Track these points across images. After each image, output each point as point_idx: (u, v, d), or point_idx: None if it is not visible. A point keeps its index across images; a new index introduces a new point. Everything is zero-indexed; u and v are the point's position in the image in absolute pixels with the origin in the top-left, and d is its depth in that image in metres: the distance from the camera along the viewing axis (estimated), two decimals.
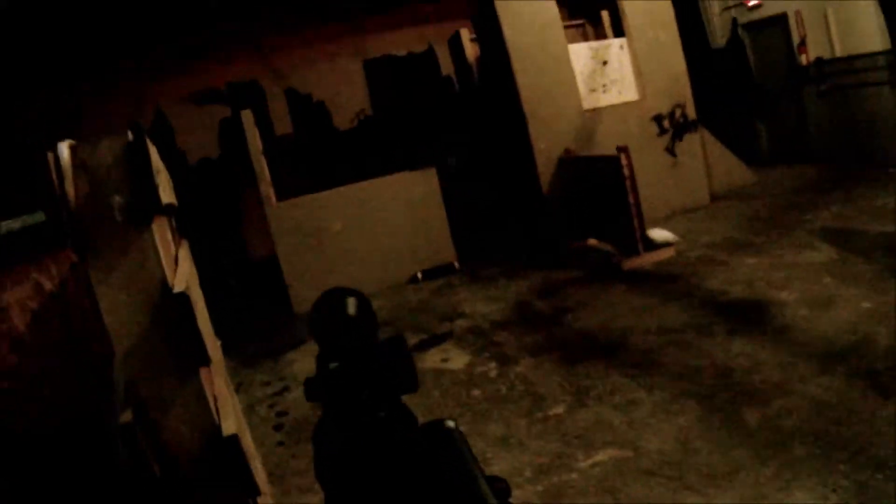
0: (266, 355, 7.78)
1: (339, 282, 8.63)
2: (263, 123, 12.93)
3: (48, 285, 3.48)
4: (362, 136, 14.51)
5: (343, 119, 14.81)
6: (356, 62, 15.04)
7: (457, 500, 3.06)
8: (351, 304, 3.18)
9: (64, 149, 1.32)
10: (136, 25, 11.47)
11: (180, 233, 3.60)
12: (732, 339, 5.44)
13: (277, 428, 5.77)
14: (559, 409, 4.94)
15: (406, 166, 10.40)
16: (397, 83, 15.08)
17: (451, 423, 3.15)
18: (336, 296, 3.30)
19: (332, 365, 2.98)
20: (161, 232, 1.70)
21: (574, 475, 4.12)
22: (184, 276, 1.56)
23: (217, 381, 3.03)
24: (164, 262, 1.49)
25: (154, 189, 1.39)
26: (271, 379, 7.01)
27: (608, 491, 3.89)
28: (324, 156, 13.72)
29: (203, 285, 3.66)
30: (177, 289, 1.41)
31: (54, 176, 1.30)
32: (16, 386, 3.53)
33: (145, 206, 1.41)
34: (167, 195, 2.03)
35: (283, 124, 14.41)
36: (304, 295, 9.25)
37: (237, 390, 6.76)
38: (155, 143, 6.90)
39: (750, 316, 5.83)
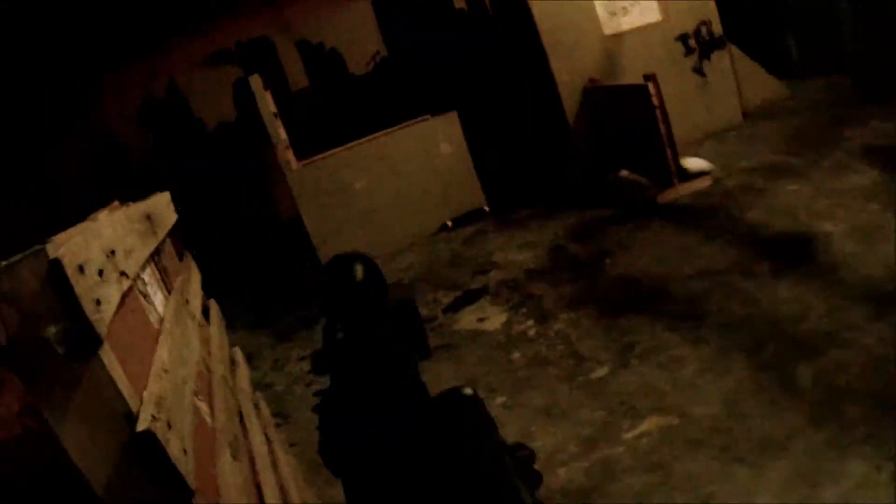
0: (301, 325, 7.70)
1: (367, 239, 8.60)
2: (277, 80, 12.74)
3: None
4: (379, 80, 14.28)
5: (359, 64, 14.54)
6: (366, 4, 14.70)
7: (476, 473, 2.95)
8: (358, 271, 3.05)
9: None
10: None
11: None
12: (778, 282, 5.22)
13: (316, 409, 5.69)
14: (602, 372, 4.79)
15: (426, 107, 10.19)
16: (410, 22, 14.74)
17: (468, 391, 3.03)
18: (341, 263, 3.17)
19: (339, 335, 2.87)
20: (132, 351, 1.55)
21: (620, 448, 3.98)
22: (151, 401, 1.40)
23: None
24: (126, 390, 1.34)
25: (84, 319, 1.23)
26: (307, 353, 6.90)
27: (656, 466, 3.75)
28: (342, 105, 13.52)
29: (235, 250, 3.54)
30: (140, 425, 1.26)
31: None
32: None
33: (84, 333, 1.25)
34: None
35: (298, 78, 14.19)
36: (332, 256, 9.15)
37: (273, 368, 6.71)
38: (169, 114, 6.73)
39: (795, 253, 5.59)
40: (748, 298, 5.13)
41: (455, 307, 6.81)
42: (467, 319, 6.44)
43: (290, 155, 9.29)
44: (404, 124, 9.96)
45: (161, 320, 2.13)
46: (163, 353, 1.75)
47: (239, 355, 3.91)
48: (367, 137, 9.78)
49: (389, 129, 9.87)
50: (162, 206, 3.27)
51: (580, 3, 9.62)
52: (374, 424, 2.76)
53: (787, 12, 12.00)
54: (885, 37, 10.03)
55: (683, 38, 10.01)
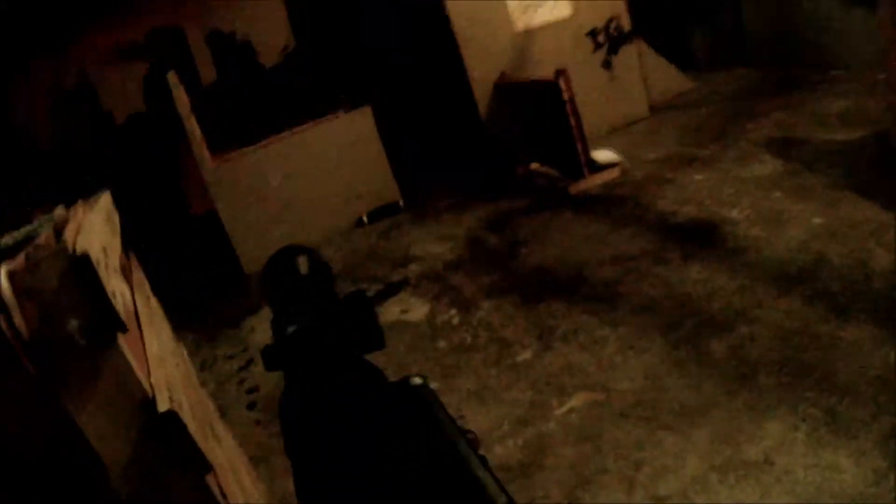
0: (225, 325, 7.67)
1: (284, 234, 8.60)
2: (189, 73, 12.57)
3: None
4: (289, 72, 14.22)
5: (269, 57, 14.46)
6: None
7: (437, 459, 3.05)
8: (302, 263, 3.10)
9: (3, 278, 1.22)
10: None
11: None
12: (688, 265, 5.47)
13: (251, 406, 5.70)
14: (527, 355, 4.96)
15: (339, 101, 10.23)
16: (319, 13, 14.72)
17: (417, 380, 3.12)
18: (285, 255, 3.22)
19: (290, 329, 2.91)
20: (132, 342, 1.61)
21: (551, 424, 4.15)
22: (162, 385, 1.47)
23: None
24: (142, 376, 1.40)
25: (111, 308, 1.29)
26: (235, 352, 6.90)
27: (587, 438, 3.93)
28: (253, 98, 13.44)
29: (145, 245, 3.57)
30: (161, 407, 1.33)
31: None
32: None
33: (108, 323, 1.31)
34: (114, 244, 1.94)
35: (208, 70, 14.03)
36: (252, 254, 9.10)
37: (202, 368, 6.68)
38: (78, 107, 6.61)
39: (703, 238, 5.87)
40: (661, 281, 5.37)
41: (378, 299, 6.88)
42: (391, 311, 6.52)
43: (205, 152, 9.21)
44: (319, 120, 9.98)
45: (136, 313, 2.19)
46: (152, 344, 1.81)
47: (184, 350, 3.95)
48: (283, 133, 9.76)
49: (304, 125, 9.86)
50: (110, 202, 3.31)
51: (493, 1, 9.78)
52: (337, 417, 2.82)
53: (693, 7, 12.40)
54: (785, 31, 10.48)
55: (593, 34, 10.27)
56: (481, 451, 3.85)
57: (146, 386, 1.40)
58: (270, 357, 2.90)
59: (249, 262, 9.19)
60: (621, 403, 4.11)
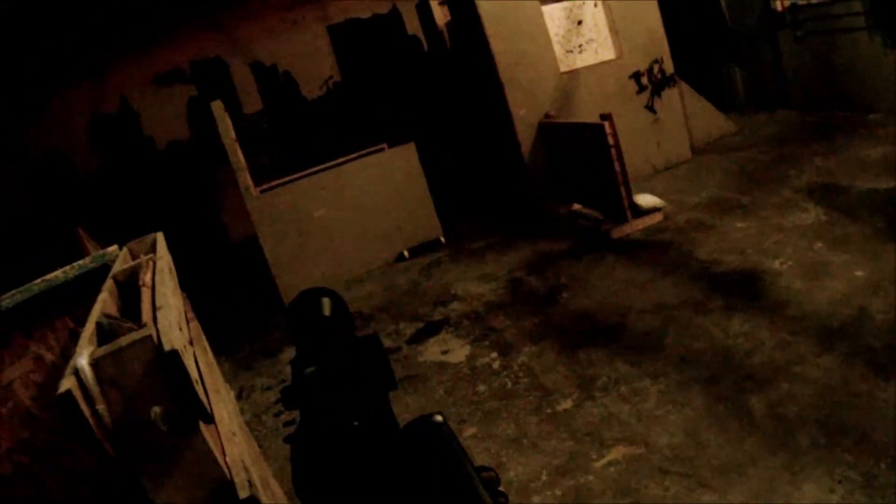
0: (262, 354, 7.80)
1: (325, 267, 8.74)
2: (231, 102, 12.82)
3: (49, 356, 3.50)
4: (332, 104, 14.42)
5: (312, 88, 14.69)
6: (320, 28, 14.88)
7: (451, 499, 3.10)
8: (325, 305, 3.20)
9: (85, 368, 1.31)
10: (93, 9, 11.32)
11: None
12: (730, 317, 5.51)
13: (288, 440, 5.78)
14: (567, 404, 5.01)
15: (380, 134, 10.38)
16: (363, 47, 14.95)
17: (438, 418, 3.18)
18: (309, 297, 3.32)
19: (309, 370, 3.01)
20: (215, 430, 1.70)
21: (590, 476, 4.20)
22: (237, 465, 1.57)
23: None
24: (219, 457, 1.49)
25: (196, 399, 1.38)
26: (272, 383, 7.02)
27: (625, 492, 3.98)
28: (295, 129, 13.65)
29: (183, 273, 3.66)
30: (241, 492, 1.42)
31: (80, 395, 1.30)
32: (30, 460, 3.56)
33: (192, 412, 1.40)
34: (173, 296, 2.04)
35: (250, 99, 14.28)
36: (292, 284, 9.27)
37: (239, 397, 6.79)
38: (120, 131, 6.82)
39: (745, 289, 5.90)
40: (702, 333, 5.40)
41: (418, 339, 6.97)
42: (431, 351, 6.61)
43: (249, 180, 9.38)
44: (362, 153, 10.13)
45: (200, 377, 2.28)
46: (223, 414, 1.89)
47: (230, 390, 4.05)
48: (326, 165, 9.91)
49: (348, 157, 10.01)
50: (166, 249, 3.41)
51: (538, 41, 9.92)
52: (347, 455, 2.90)
53: (734, 49, 12.47)
54: (825, 73, 10.51)
55: (636, 76, 10.37)
56: (513, 497, 3.93)
57: (224, 468, 1.48)
58: (288, 395, 2.99)
59: (289, 293, 9.32)
60: (660, 458, 4.16)
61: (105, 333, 1.73)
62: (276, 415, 6.32)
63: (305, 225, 9.62)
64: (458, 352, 6.41)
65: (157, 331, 1.45)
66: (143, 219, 11.91)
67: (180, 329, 1.78)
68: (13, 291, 3.39)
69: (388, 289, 8.81)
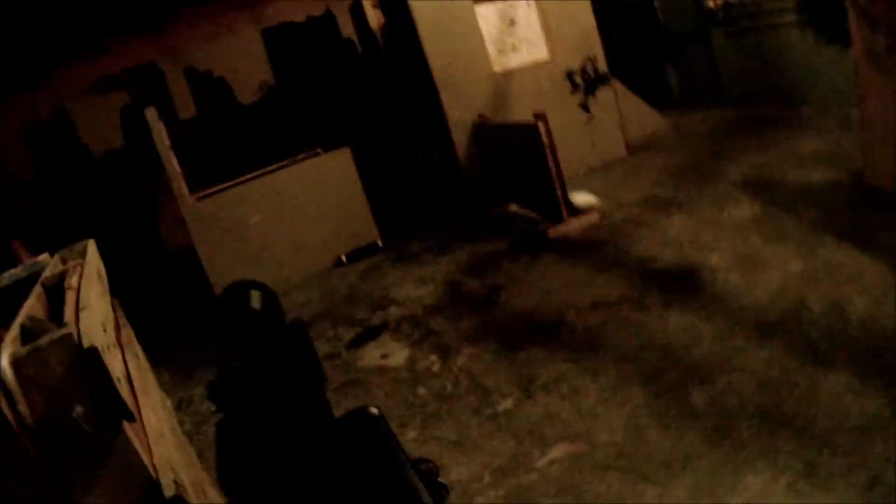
0: (202, 364, 7.61)
1: (262, 274, 8.56)
2: (166, 108, 12.61)
3: None
4: (267, 109, 14.30)
5: (246, 93, 14.56)
6: (254, 32, 14.76)
7: (384, 487, 3.02)
8: (255, 297, 3.12)
9: (6, 368, 1.22)
10: (25, 16, 11.05)
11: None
12: (668, 312, 5.50)
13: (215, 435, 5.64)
14: (508, 404, 4.94)
15: (315, 139, 10.27)
16: (298, 51, 14.85)
17: (374, 410, 3.11)
18: (238, 289, 3.23)
19: (234, 364, 2.92)
20: (141, 430, 1.61)
21: (533, 476, 4.13)
22: (165, 467, 1.47)
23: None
24: (145, 458, 1.40)
25: (118, 397, 1.29)
26: None
27: (568, 490, 3.91)
28: (230, 134, 13.49)
29: (120, 282, 3.54)
30: (167, 491, 1.33)
31: (0, 395, 1.20)
32: None
33: (115, 411, 1.32)
34: (103, 304, 1.93)
35: (185, 105, 14.11)
36: None
37: (178, 407, 6.62)
38: (56, 139, 6.63)
39: (682, 284, 5.90)
40: (641, 329, 5.38)
41: (357, 343, 6.86)
42: (371, 355, 6.50)
43: (184, 187, 9.19)
44: (297, 158, 10.01)
45: (129, 378, 2.18)
46: (150, 417, 1.80)
47: (167, 399, 3.91)
48: (261, 171, 9.77)
49: (283, 163, 9.88)
50: (97, 255, 3.28)
51: (472, 42, 9.88)
52: (274, 447, 2.81)
53: (668, 48, 12.58)
54: (758, 69, 10.65)
55: (570, 76, 10.39)
56: (454, 498, 3.85)
57: (150, 468, 1.40)
58: (216, 391, 2.88)
59: None
60: (602, 455, 4.11)
61: (29, 336, 1.65)
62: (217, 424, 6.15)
63: (242, 232, 9.46)
64: (398, 355, 6.31)
65: (79, 330, 1.37)
66: (81, 229, 11.62)
67: (105, 331, 1.68)
68: None
69: (326, 294, 8.68)
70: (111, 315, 2.22)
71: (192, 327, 9.00)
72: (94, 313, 1.61)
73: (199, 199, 9.43)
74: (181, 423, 6.26)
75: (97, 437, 1.30)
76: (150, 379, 2.92)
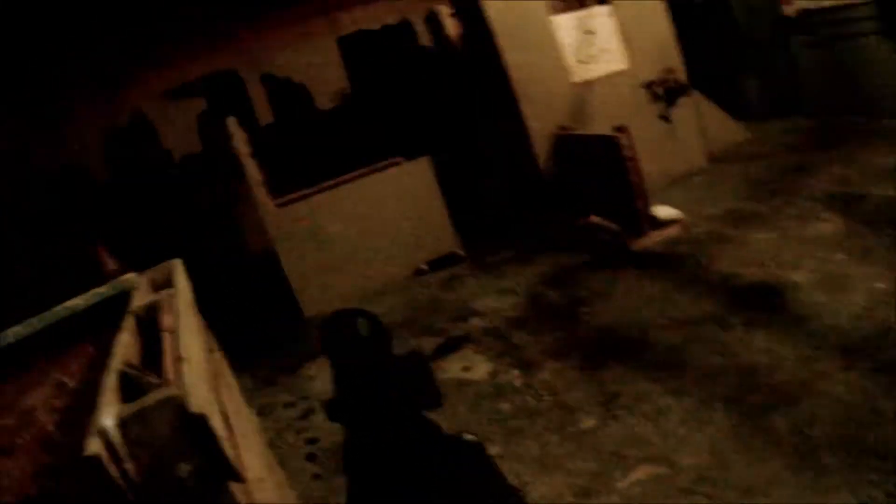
0: (283, 370, 7.83)
1: (344, 282, 8.80)
2: (244, 115, 12.93)
3: (70, 383, 3.55)
4: (344, 116, 14.52)
5: (324, 100, 14.83)
6: (331, 40, 15.03)
7: None
8: (362, 325, 3.30)
9: (111, 429, 1.36)
10: (103, 23, 11.45)
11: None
12: (752, 332, 5.52)
13: (310, 458, 5.79)
14: (590, 422, 5.03)
15: (393, 146, 10.44)
16: (374, 58, 15.06)
17: (470, 437, 3.26)
18: (346, 317, 3.40)
19: (353, 384, 3.09)
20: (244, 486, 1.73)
21: (615, 497, 4.23)
22: None
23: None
24: None
25: (225, 459, 1.42)
26: (294, 399, 7.03)
27: None
28: (308, 141, 13.74)
29: (199, 287, 3.72)
30: None
31: (106, 456, 1.34)
32: (54, 485, 3.61)
33: (221, 471, 1.44)
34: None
35: (264, 112, 14.44)
36: (311, 298, 9.36)
37: (260, 413, 6.83)
38: (134, 142, 6.93)
39: (766, 303, 5.91)
40: (725, 349, 5.41)
41: (440, 354, 6.97)
42: (452, 368, 6.61)
43: (264, 195, 9.44)
44: (377, 166, 10.18)
45: (228, 424, 2.32)
46: (251, 461, 1.93)
47: (254, 415, 4.09)
48: (342, 178, 9.96)
49: (363, 172, 10.05)
50: (185, 278, 3.46)
51: (551, 53, 9.95)
52: (398, 467, 2.97)
53: (746, 56, 12.47)
54: (839, 78, 10.51)
55: (649, 86, 10.38)
56: None
57: None
58: (334, 409, 3.08)
59: (309, 306, 9.41)
60: (685, 478, 4.18)
61: (129, 384, 1.78)
62: (298, 432, 6.34)
63: (323, 239, 9.67)
64: (480, 368, 6.43)
65: (182, 388, 1.48)
66: (159, 232, 12.06)
67: (206, 383, 1.81)
68: (35, 318, 3.46)
69: (407, 303, 8.83)
70: (207, 347, 2.36)
71: (271, 333, 9.25)
72: (196, 367, 1.73)
73: (279, 206, 9.67)
74: (263, 430, 6.48)
75: (202, 494, 1.41)
76: (241, 402, 3.07)
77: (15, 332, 3.36)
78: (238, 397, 3.27)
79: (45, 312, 3.50)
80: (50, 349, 3.50)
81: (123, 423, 1.40)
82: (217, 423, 1.52)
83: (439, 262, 9.98)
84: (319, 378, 7.30)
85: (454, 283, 9.07)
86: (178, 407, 1.42)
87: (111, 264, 12.05)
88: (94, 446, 1.35)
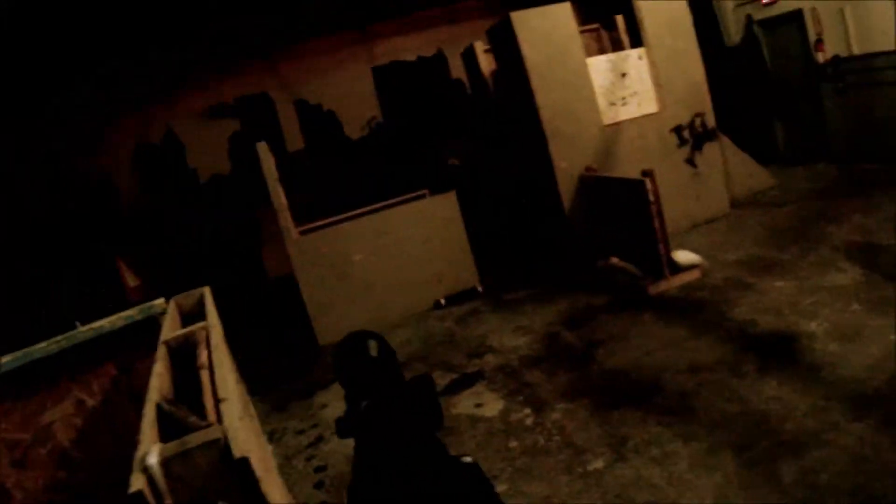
0: (296, 396, 7.88)
1: (362, 312, 8.84)
2: (274, 139, 13.08)
3: (90, 402, 3.61)
4: (374, 145, 14.65)
5: (354, 129, 14.96)
6: (365, 69, 15.19)
7: None
8: (372, 347, 3.34)
9: (155, 467, 1.40)
10: (142, 41, 11.65)
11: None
12: (764, 380, 5.50)
13: (318, 485, 5.84)
14: (599, 464, 5.03)
15: (420, 178, 10.49)
16: (407, 89, 15.20)
17: (468, 459, 3.28)
18: (357, 339, 3.45)
19: (363, 403, 3.13)
20: None
21: None
22: None
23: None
24: None
25: (261, 496, 1.46)
26: (305, 426, 7.09)
27: None
28: (337, 168, 13.85)
29: (222, 308, 3.77)
30: None
31: (149, 493, 1.38)
32: (67, 500, 3.67)
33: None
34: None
35: (293, 137, 14.58)
36: (328, 326, 9.42)
37: (270, 439, 6.87)
38: (166, 162, 7.10)
39: (780, 351, 5.89)
40: (736, 396, 5.40)
41: (452, 389, 7.01)
42: (464, 404, 6.64)
43: (290, 221, 9.52)
44: (403, 198, 10.27)
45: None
46: (274, 494, 1.96)
47: (265, 439, 4.12)
48: (367, 209, 10.08)
49: (389, 202, 10.15)
50: (213, 307, 3.51)
51: (583, 94, 10.02)
52: (402, 484, 2.99)
53: (775, 101, 12.49)
54: (866, 126, 10.50)
55: (678, 130, 10.42)
56: None
57: None
58: (344, 426, 3.12)
59: (324, 334, 9.49)
60: None
61: (167, 420, 1.83)
62: (308, 459, 6.38)
63: (344, 268, 9.75)
64: (492, 406, 6.45)
65: (225, 431, 1.52)
66: (184, 250, 12.17)
67: (242, 418, 1.85)
68: (60, 336, 3.53)
69: (423, 337, 8.88)
70: (238, 386, 2.40)
71: (287, 358, 9.30)
72: (234, 407, 1.77)
73: (303, 233, 9.76)
74: (274, 455, 6.52)
75: None
76: (257, 427, 3.11)
77: (41, 349, 3.43)
78: (257, 426, 3.32)
79: (71, 332, 3.58)
80: (73, 367, 3.57)
81: (166, 462, 1.44)
82: (257, 465, 1.57)
83: (458, 297, 10.02)
84: (331, 407, 7.35)
85: (471, 319, 9.09)
86: (220, 448, 1.46)
87: (131, 280, 12.20)
88: (138, 482, 1.40)
